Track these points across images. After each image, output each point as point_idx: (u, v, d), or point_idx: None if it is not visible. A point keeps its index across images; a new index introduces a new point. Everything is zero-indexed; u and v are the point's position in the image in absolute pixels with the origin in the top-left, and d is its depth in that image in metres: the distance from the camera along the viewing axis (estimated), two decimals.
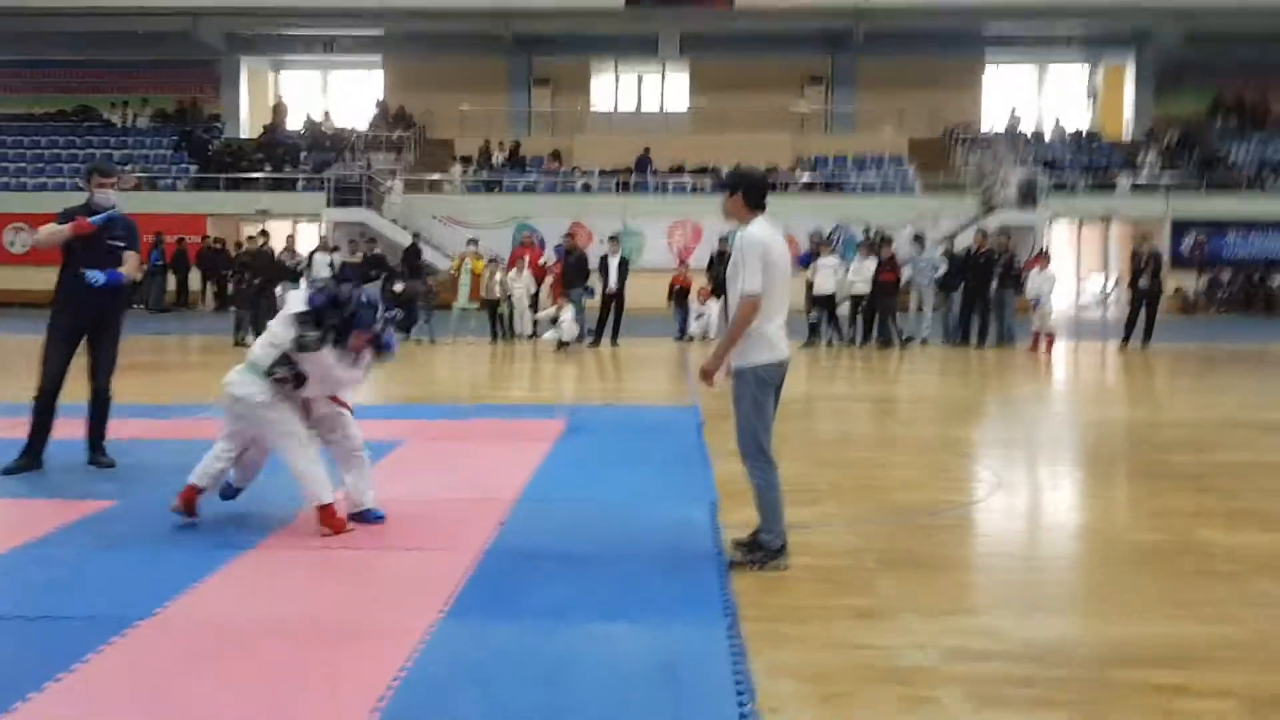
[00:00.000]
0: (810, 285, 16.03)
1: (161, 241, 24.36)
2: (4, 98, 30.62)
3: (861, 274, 15.89)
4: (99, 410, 6.60)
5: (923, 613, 4.19)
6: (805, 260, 16.23)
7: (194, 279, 25.24)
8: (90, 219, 6.36)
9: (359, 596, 4.30)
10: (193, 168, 27.15)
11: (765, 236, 4.69)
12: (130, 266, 6.58)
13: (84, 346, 6.55)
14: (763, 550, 4.76)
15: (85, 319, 6.47)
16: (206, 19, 27.45)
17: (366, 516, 5.38)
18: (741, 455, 4.82)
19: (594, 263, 16.29)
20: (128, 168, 27.18)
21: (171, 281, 24.80)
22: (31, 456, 6.47)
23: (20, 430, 6.53)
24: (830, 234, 18.78)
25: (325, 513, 5.17)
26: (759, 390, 4.71)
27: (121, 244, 6.56)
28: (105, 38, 28.59)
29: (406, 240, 23.95)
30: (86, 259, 6.36)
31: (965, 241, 18.91)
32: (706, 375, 4.81)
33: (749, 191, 4.81)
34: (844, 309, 16.20)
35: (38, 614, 4.02)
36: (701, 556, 4.87)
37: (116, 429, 8.08)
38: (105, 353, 6.57)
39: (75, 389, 6.67)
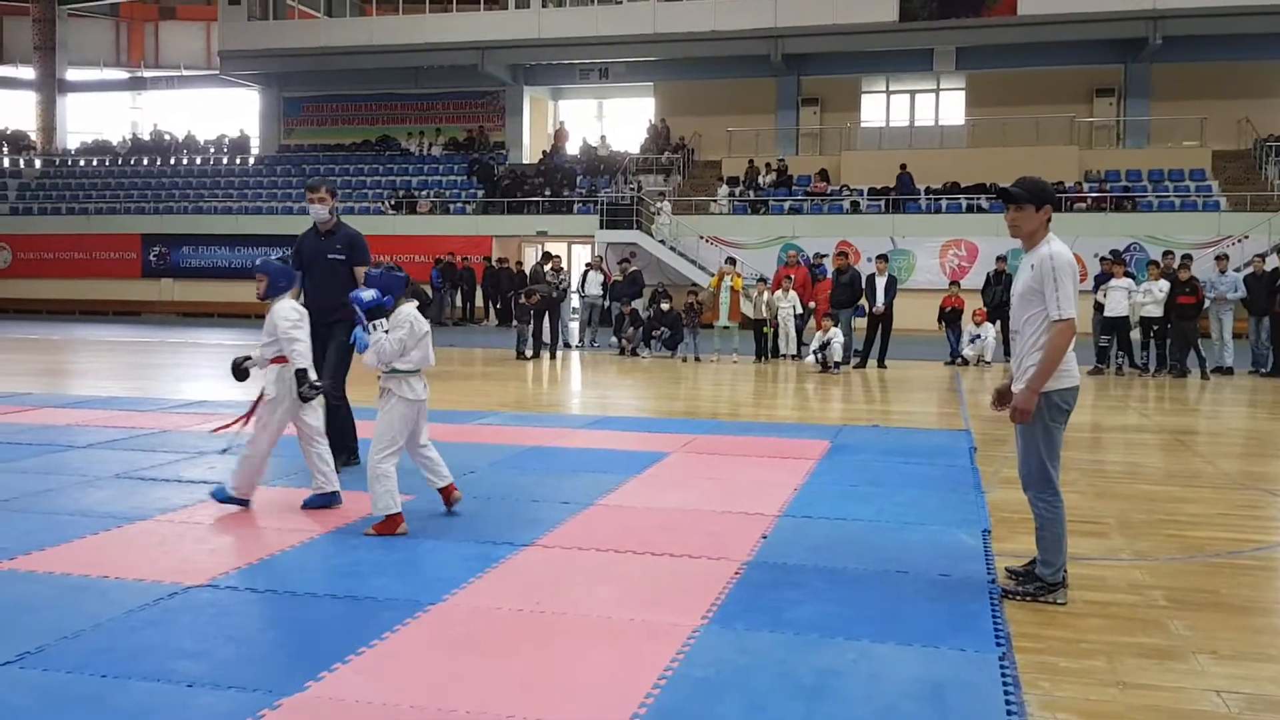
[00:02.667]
0: (1099, 307, 15.08)
1: (447, 260, 26.21)
2: (317, 129, 33.96)
3: (1153, 296, 14.77)
4: (330, 414, 6.80)
5: (1220, 656, 3.85)
6: (1096, 280, 15.32)
7: (477, 295, 26.91)
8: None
9: (630, 598, 4.44)
10: (479, 192, 28.99)
11: (1072, 257, 4.44)
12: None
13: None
14: (1039, 582, 4.52)
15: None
16: (493, 52, 29.31)
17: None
18: (1024, 483, 4.59)
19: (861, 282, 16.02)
20: (424, 193, 29.47)
21: (458, 297, 26.58)
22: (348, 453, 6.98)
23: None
24: (1122, 253, 17.58)
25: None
26: (1051, 416, 4.46)
27: (341, 257, 6.83)
28: (404, 73, 31.13)
29: (676, 261, 24.64)
30: (311, 275, 6.77)
31: (1276, 262, 17.16)
32: (1022, 415, 4.44)
33: (1047, 206, 4.52)
34: (1136, 333, 15.11)
35: (344, 594, 4.42)
36: (972, 583, 4.69)
37: None
38: (332, 359, 6.79)
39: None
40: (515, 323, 17.39)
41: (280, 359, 5.89)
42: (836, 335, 14.88)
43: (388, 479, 5.42)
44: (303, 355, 5.85)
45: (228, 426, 6.29)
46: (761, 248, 24.92)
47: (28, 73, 37.01)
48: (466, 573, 4.71)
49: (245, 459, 5.91)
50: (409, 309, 5.55)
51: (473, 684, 3.50)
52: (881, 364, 15.31)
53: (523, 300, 16.83)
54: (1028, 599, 4.47)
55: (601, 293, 19.31)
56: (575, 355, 17.51)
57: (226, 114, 36.58)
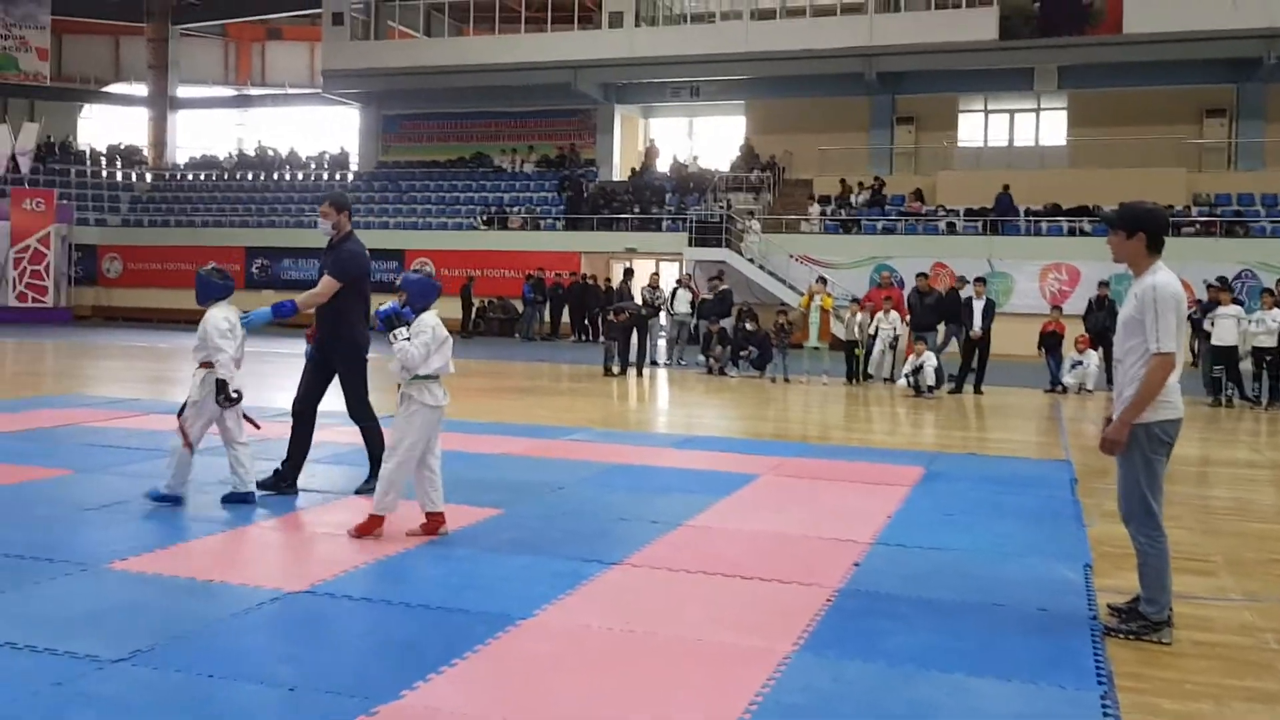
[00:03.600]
0: (1207, 336, 14.56)
1: (537, 275, 26.51)
2: (413, 147, 34.68)
3: (1266, 326, 14.21)
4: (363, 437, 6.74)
5: None
6: (1204, 309, 14.80)
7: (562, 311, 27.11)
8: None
9: (719, 620, 4.42)
10: (583, 209, 29.24)
11: (1178, 289, 4.31)
12: (307, 294, 6.51)
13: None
14: (1143, 620, 4.38)
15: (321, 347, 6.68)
16: (585, 71, 29.63)
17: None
18: (1125, 517, 4.46)
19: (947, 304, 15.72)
20: (516, 210, 29.87)
21: (547, 312, 26.83)
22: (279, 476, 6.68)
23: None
24: (1232, 280, 16.95)
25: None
26: (1152, 449, 4.32)
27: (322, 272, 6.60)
28: (498, 92, 31.63)
29: (765, 280, 24.53)
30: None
31: None
32: (1112, 447, 4.35)
33: (1152, 234, 4.40)
34: (1247, 364, 14.55)
35: (437, 605, 4.49)
36: (1073, 619, 4.56)
37: (504, 445, 8.89)
38: (346, 384, 6.69)
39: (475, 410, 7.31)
40: (603, 339, 17.50)
41: (208, 364, 6.16)
42: (929, 359, 14.62)
43: (398, 481, 5.55)
44: (224, 365, 6.11)
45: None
46: (853, 268, 24.65)
47: (141, 90, 38.59)
48: (556, 589, 4.74)
49: (178, 458, 6.16)
50: (430, 316, 5.64)
51: (563, 701, 3.53)
52: (978, 390, 14.99)
53: (611, 317, 16.93)
54: (1131, 637, 4.34)
55: (690, 310, 19.32)
56: (662, 373, 17.54)
57: (328, 131, 37.65)
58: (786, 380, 16.08)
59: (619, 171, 31.84)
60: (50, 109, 37.41)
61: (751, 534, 5.98)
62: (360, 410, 6.67)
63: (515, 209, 30.05)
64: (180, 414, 6.28)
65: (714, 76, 29.54)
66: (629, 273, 18.68)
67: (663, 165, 31.70)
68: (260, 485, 6.49)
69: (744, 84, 29.76)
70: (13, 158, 29.81)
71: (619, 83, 30.92)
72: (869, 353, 16.28)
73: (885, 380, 16.10)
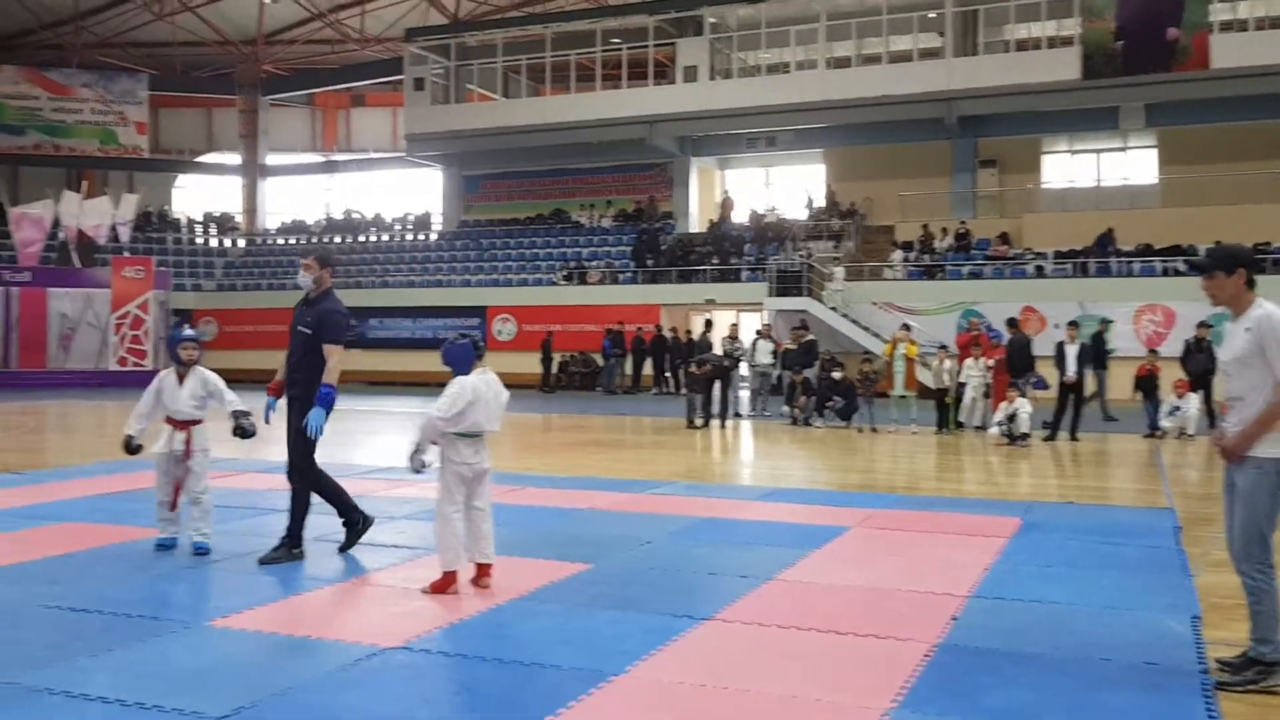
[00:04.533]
0: None
1: (616, 329, 26.67)
2: (494, 205, 35.40)
3: None
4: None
5: None
6: None
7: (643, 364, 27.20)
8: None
9: (815, 677, 4.34)
10: (649, 261, 29.48)
11: None
12: (331, 374, 6.32)
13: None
14: (1258, 665, 4.20)
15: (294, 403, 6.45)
16: (661, 125, 29.96)
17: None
18: (1237, 556, 4.30)
19: (1049, 349, 15.36)
20: (595, 264, 30.20)
21: (628, 366, 26.93)
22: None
23: None
24: None
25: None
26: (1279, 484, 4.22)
27: (309, 331, 6.38)
28: (575, 149, 32.15)
29: (848, 328, 24.33)
30: (291, 341, 6.47)
31: None
32: (1230, 454, 4.31)
33: (1250, 269, 4.34)
34: None
35: (530, 661, 4.49)
36: (1182, 673, 4.38)
37: (589, 499, 8.91)
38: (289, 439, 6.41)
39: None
40: (685, 392, 17.48)
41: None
42: (1023, 406, 14.24)
43: (448, 523, 5.64)
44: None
45: None
46: (939, 313, 24.33)
47: (233, 159, 40.19)
48: (647, 645, 4.71)
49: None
50: (472, 377, 5.70)
51: None
52: (1074, 436, 14.58)
53: (693, 369, 16.93)
54: (1246, 688, 4.15)
55: (772, 361, 19.22)
56: (745, 425, 17.43)
57: (411, 192, 38.64)
58: (874, 430, 15.85)
59: (697, 223, 32.03)
60: (148, 179, 39.15)
61: (844, 588, 5.88)
62: (296, 469, 6.42)
63: (594, 263, 30.38)
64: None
65: (790, 126, 29.62)
66: (709, 324, 18.67)
67: (740, 216, 31.80)
68: (342, 549, 6.65)
69: (821, 132, 29.77)
70: (113, 227, 31.13)
71: (694, 135, 31.20)
72: (959, 400, 15.95)
73: (977, 429, 15.74)
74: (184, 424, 6.73)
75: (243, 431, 6.56)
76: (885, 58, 28.08)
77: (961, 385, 15.97)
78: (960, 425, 15.89)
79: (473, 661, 4.52)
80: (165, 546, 6.73)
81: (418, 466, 5.72)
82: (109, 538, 7.00)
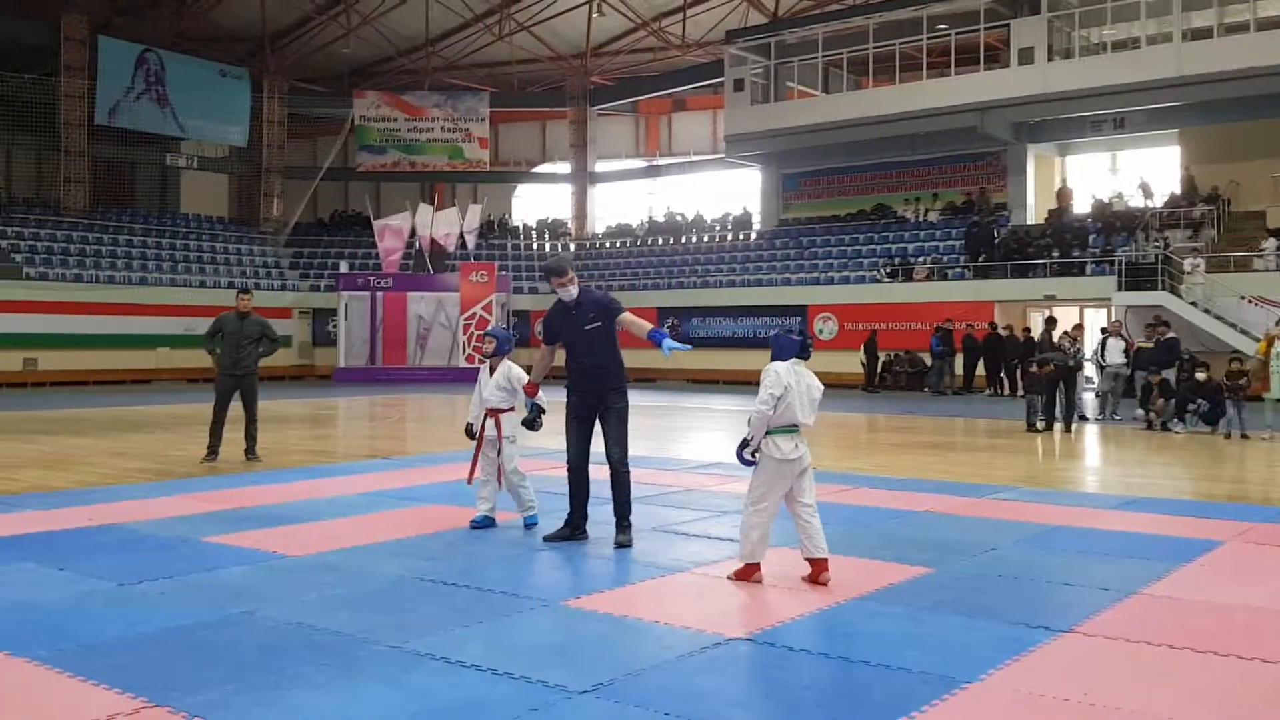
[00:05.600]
0: None
1: (945, 326, 25.65)
2: (813, 203, 35.15)
3: None
4: (616, 484, 6.76)
5: None
6: None
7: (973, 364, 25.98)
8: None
9: (1195, 698, 3.93)
10: (981, 256, 28.15)
11: None
12: (637, 324, 6.76)
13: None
14: None
15: (591, 399, 6.75)
16: (994, 112, 28.45)
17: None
18: None
19: None
20: (921, 260, 29.23)
21: (958, 365, 25.84)
22: (572, 526, 6.91)
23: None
24: None
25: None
26: None
27: (599, 322, 6.73)
28: (899, 141, 31.21)
29: (1211, 325, 22.01)
30: (573, 349, 6.79)
31: None
32: None
33: None
34: None
35: (877, 662, 4.38)
36: None
37: (927, 502, 8.62)
38: (614, 430, 6.74)
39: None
40: (1024, 393, 16.53)
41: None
42: None
43: (752, 530, 5.68)
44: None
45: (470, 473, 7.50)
46: None
47: (564, 168, 42.61)
48: (1002, 653, 4.47)
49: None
50: (778, 365, 5.70)
51: None
52: None
53: (1034, 369, 15.95)
54: None
55: (1124, 360, 17.73)
56: (1092, 429, 16.22)
57: (730, 193, 39.22)
58: (1244, 436, 14.24)
59: (1034, 214, 30.21)
60: (490, 190, 42.30)
61: (1223, 606, 5.31)
62: (625, 453, 6.79)
63: (920, 259, 29.46)
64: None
65: (1140, 106, 27.23)
66: (1051, 321, 17.44)
67: (1083, 205, 29.67)
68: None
69: (1176, 111, 27.14)
70: (461, 236, 33.91)
71: (1031, 121, 29.43)
72: None
73: None
74: (494, 412, 7.34)
75: (529, 424, 7.06)
76: (1253, 25, 25.16)
77: None
78: None
79: (818, 658, 4.47)
80: (479, 525, 7.29)
81: (748, 460, 5.75)
82: (467, 520, 7.56)
